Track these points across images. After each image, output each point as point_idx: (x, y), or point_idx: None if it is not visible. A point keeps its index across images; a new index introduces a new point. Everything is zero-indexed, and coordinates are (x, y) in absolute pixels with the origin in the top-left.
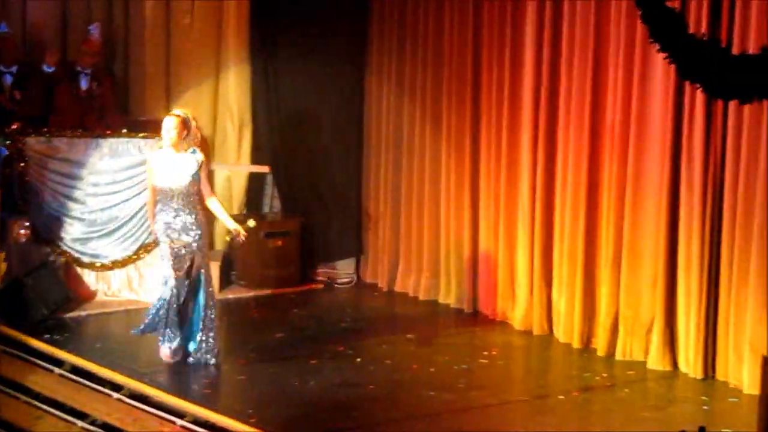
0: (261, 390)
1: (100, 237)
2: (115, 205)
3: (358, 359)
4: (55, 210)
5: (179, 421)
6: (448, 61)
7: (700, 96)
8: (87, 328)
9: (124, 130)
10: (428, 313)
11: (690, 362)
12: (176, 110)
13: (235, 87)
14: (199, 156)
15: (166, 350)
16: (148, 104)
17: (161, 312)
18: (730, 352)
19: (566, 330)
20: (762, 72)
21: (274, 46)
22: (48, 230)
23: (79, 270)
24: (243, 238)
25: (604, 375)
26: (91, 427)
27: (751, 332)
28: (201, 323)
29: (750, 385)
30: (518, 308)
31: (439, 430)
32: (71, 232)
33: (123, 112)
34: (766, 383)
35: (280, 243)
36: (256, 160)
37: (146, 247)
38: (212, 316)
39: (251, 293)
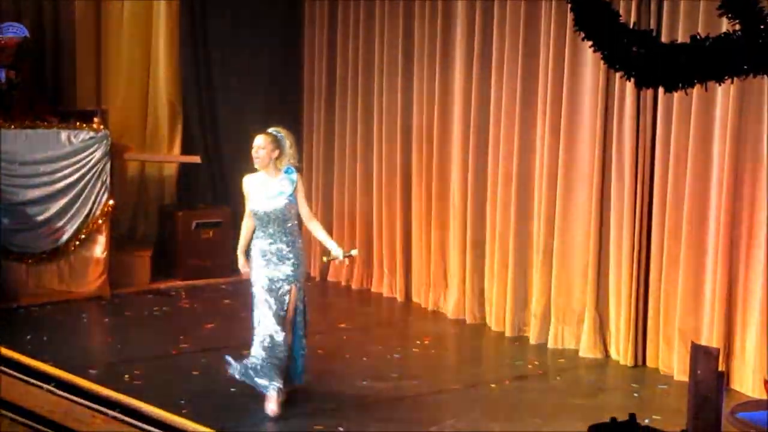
0: (192, 380)
1: (30, 229)
2: (45, 197)
3: None
4: None
5: (110, 412)
6: (380, 56)
7: (630, 86)
8: (17, 320)
9: (54, 121)
10: (361, 302)
11: (621, 350)
12: (270, 129)
13: (166, 77)
14: (294, 176)
15: (273, 406)
16: (79, 95)
17: (274, 367)
18: (661, 340)
19: (498, 319)
20: (691, 61)
21: (205, 36)
22: None
23: (8, 262)
24: (338, 263)
25: (536, 363)
26: (21, 419)
27: (680, 320)
28: (301, 353)
29: (680, 372)
30: (451, 297)
31: (372, 420)
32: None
33: (53, 103)
34: (696, 370)
35: (211, 234)
36: (187, 150)
37: (77, 239)
38: (305, 342)
39: (182, 283)
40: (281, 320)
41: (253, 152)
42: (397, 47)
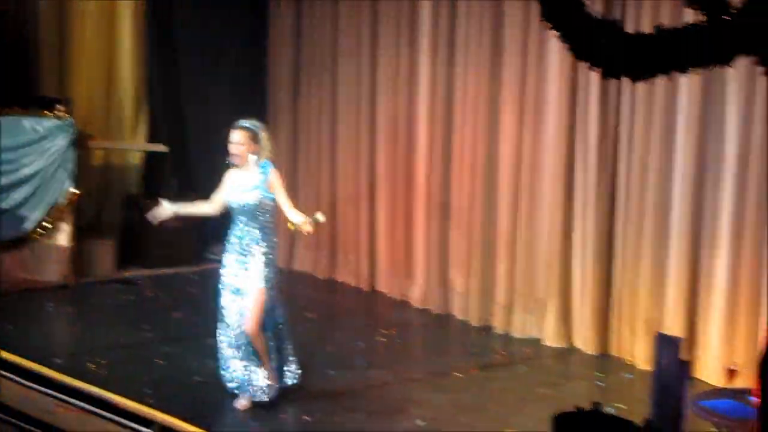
0: (158, 370)
1: None
2: (8, 185)
3: None
4: None
5: (75, 401)
6: (346, 45)
7: (595, 77)
8: None
9: (18, 109)
10: (327, 291)
11: (585, 339)
12: (243, 122)
13: (130, 65)
14: (268, 169)
15: (244, 401)
16: (43, 82)
17: (254, 363)
18: (625, 329)
19: (464, 308)
20: (656, 52)
21: (171, 26)
22: None
23: None
24: (307, 232)
25: (502, 352)
26: None
27: (644, 309)
28: (286, 349)
29: (644, 361)
30: (416, 286)
31: (338, 409)
32: None
33: (18, 91)
34: (660, 359)
35: (176, 223)
36: (152, 139)
37: (41, 228)
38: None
39: (148, 272)
40: (242, 321)
41: (231, 147)
42: (362, 37)
